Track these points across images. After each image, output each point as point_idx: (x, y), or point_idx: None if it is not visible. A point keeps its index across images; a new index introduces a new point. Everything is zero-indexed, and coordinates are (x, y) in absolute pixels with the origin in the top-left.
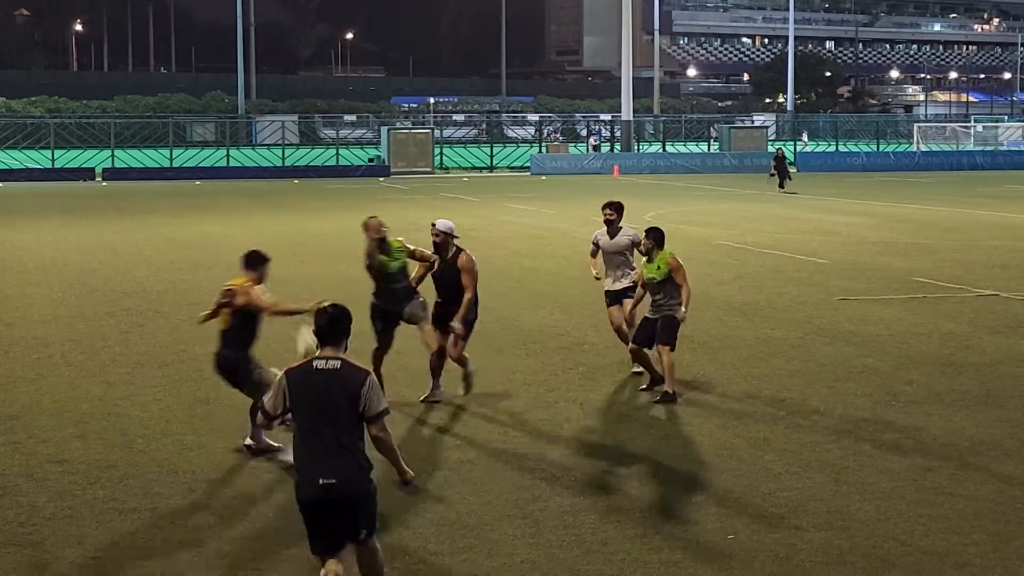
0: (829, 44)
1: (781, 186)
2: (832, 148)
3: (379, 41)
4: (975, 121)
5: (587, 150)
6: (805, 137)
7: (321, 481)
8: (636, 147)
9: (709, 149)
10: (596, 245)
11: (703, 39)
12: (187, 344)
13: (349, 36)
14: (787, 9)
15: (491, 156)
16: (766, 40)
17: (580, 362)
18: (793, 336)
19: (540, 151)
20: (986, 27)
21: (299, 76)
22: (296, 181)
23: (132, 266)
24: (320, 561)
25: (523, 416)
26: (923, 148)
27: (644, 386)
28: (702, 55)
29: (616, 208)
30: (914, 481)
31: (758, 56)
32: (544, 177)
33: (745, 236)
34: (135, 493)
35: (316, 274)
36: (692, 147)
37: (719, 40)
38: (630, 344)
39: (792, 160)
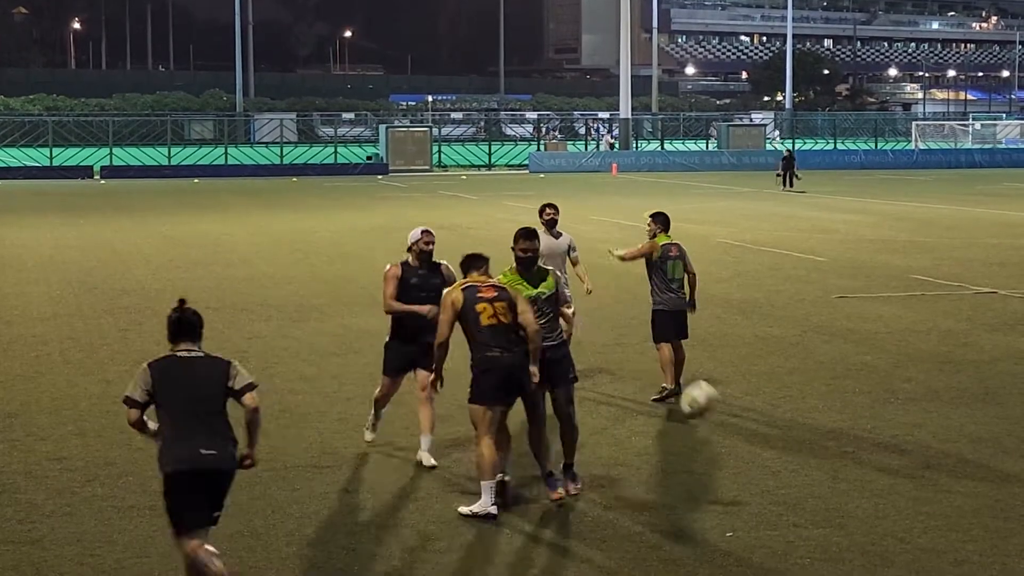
0: (827, 42)
1: (789, 185)
2: (830, 146)
3: (377, 39)
4: (973, 119)
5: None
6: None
7: (202, 451)
8: (635, 145)
9: (708, 147)
10: None
11: (701, 37)
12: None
13: (347, 34)
14: (785, 7)
15: (489, 154)
16: (764, 38)
17: (578, 360)
18: (791, 334)
19: (538, 149)
20: (984, 25)
21: (297, 74)
22: (294, 179)
23: (130, 264)
24: (184, 541)
25: (521, 413)
26: (921, 146)
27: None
28: (700, 53)
29: (556, 209)
30: (912, 478)
31: (756, 54)
32: (542, 175)
33: (743, 234)
34: (134, 490)
35: (315, 272)
36: (691, 145)
37: (717, 38)
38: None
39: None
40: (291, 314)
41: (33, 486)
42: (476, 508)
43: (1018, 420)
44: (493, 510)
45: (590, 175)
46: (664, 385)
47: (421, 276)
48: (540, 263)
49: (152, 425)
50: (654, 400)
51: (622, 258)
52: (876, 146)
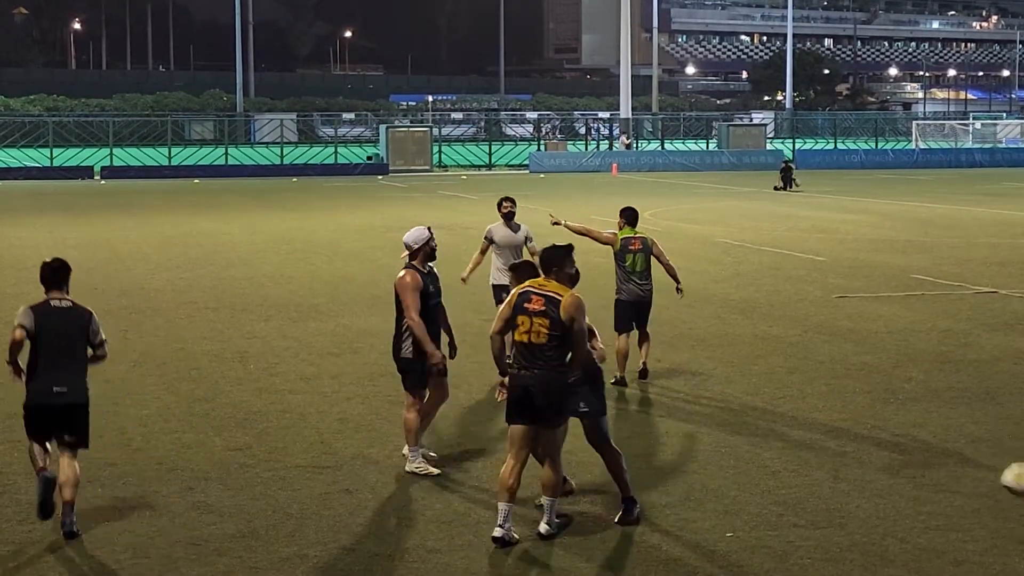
0: (828, 42)
1: (785, 188)
2: (831, 146)
3: (377, 39)
4: (974, 119)
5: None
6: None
7: (55, 389)
8: (635, 145)
9: (708, 147)
10: (489, 240)
11: (701, 37)
12: (185, 342)
13: (347, 34)
14: (785, 7)
15: (490, 154)
16: (764, 38)
17: None
18: (791, 334)
19: (539, 149)
20: (984, 24)
21: (297, 74)
22: (295, 179)
23: (130, 264)
24: (36, 444)
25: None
26: (922, 146)
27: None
28: (701, 53)
29: (514, 202)
30: (913, 478)
31: (756, 54)
32: (543, 175)
33: (743, 234)
34: (133, 491)
35: (315, 272)
36: (691, 145)
37: (717, 38)
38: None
39: (793, 159)
40: (291, 314)
41: (33, 487)
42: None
43: (1018, 420)
44: (496, 532)
45: (590, 175)
46: (616, 374)
47: (429, 280)
48: (499, 254)
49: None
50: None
51: (568, 227)
52: (876, 146)
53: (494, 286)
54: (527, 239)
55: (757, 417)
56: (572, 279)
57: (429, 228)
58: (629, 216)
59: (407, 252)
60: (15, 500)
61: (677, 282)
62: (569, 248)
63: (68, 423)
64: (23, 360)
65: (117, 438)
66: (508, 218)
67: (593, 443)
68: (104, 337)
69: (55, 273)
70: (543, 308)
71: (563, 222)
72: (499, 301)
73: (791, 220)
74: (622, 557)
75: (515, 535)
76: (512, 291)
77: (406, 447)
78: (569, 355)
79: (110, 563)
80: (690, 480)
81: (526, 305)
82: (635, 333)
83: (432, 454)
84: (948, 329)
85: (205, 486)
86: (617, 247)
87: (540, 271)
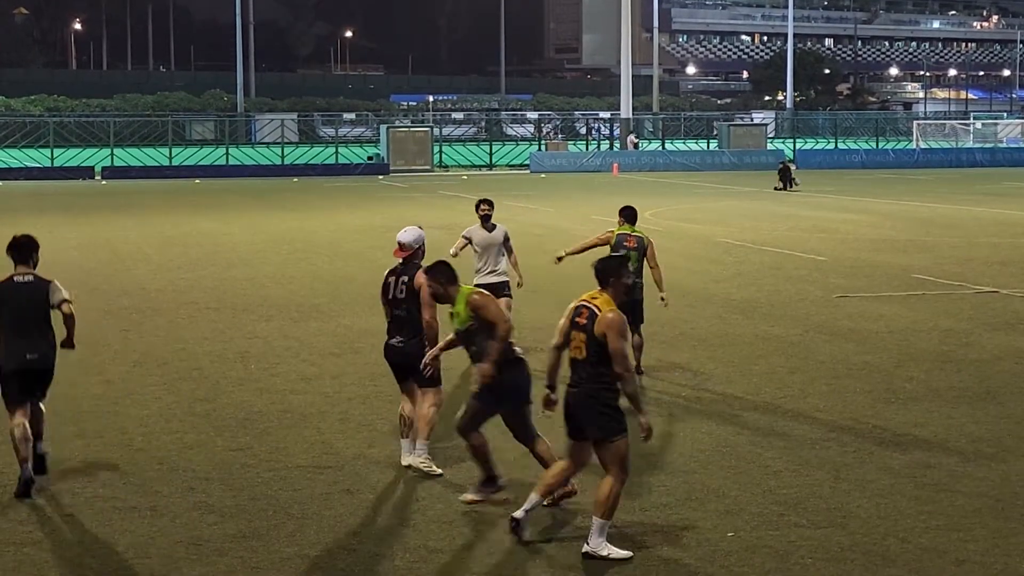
0: (828, 42)
1: (784, 188)
2: (831, 146)
3: (378, 39)
4: (974, 118)
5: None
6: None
7: (27, 356)
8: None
9: (709, 147)
10: (468, 240)
11: (702, 37)
12: (186, 343)
13: (348, 34)
14: (786, 7)
15: (490, 154)
16: (765, 37)
17: None
18: (792, 333)
19: (539, 149)
20: (985, 24)
21: (298, 74)
22: (295, 179)
23: (131, 264)
24: (12, 413)
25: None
26: (922, 145)
27: None
28: (701, 53)
29: (492, 204)
30: (914, 478)
31: (757, 54)
32: (543, 175)
33: (744, 233)
34: (134, 491)
35: (316, 272)
36: (692, 145)
37: (718, 38)
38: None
39: (794, 159)
40: (292, 314)
41: (34, 487)
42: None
43: (1019, 419)
44: (517, 513)
45: (591, 175)
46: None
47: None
48: (478, 255)
49: None
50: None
51: (569, 252)
52: (877, 145)
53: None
54: (505, 238)
55: (758, 417)
56: (627, 289)
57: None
58: (628, 214)
59: (408, 252)
60: (16, 502)
61: (661, 291)
62: (623, 259)
63: (39, 384)
64: None
65: (118, 438)
66: (484, 220)
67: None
68: (65, 295)
69: (20, 249)
70: (585, 322)
71: (563, 253)
72: None
73: (792, 220)
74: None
75: (527, 534)
76: (570, 305)
77: (419, 441)
78: (609, 371)
79: (111, 563)
80: (691, 480)
81: (576, 319)
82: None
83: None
84: (949, 329)
85: (206, 486)
86: (613, 241)
87: (597, 282)
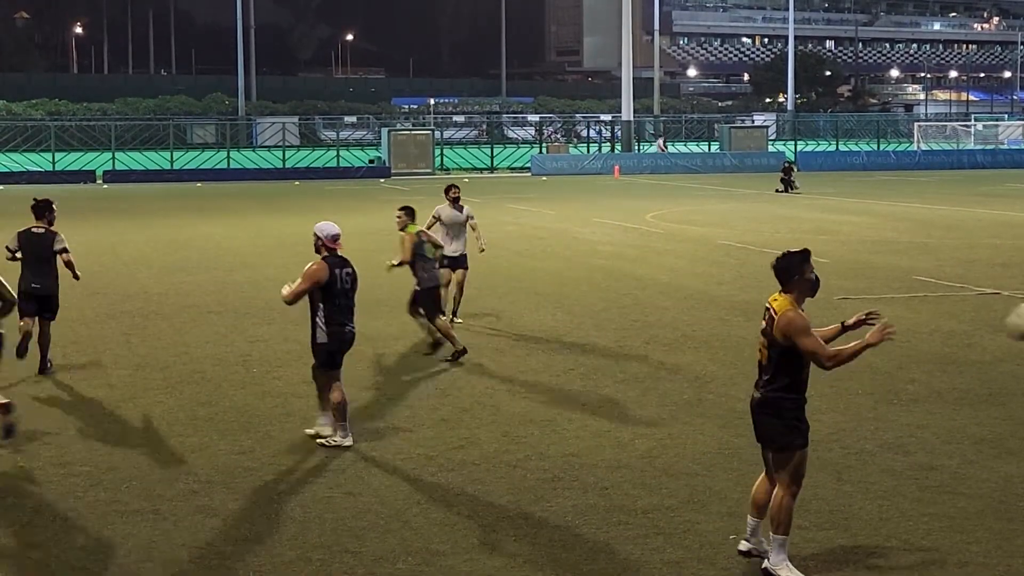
0: (829, 43)
1: (785, 191)
2: (832, 147)
3: (379, 42)
4: (975, 120)
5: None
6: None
7: (33, 285)
8: (636, 147)
9: (710, 149)
10: (438, 219)
11: (703, 39)
12: (188, 346)
13: (349, 37)
14: (787, 9)
15: (492, 157)
16: (766, 40)
17: (581, 362)
18: None
19: (541, 152)
20: (986, 26)
21: (299, 77)
22: (297, 183)
23: (133, 268)
24: (21, 318)
25: (525, 416)
26: (923, 147)
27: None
28: (702, 55)
29: (459, 188)
30: (916, 480)
31: (758, 56)
32: (545, 178)
33: (746, 236)
34: (137, 495)
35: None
36: (693, 147)
37: (719, 40)
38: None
39: (795, 161)
40: (294, 317)
41: (36, 490)
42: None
43: (1021, 421)
44: (742, 546)
45: (592, 177)
46: (456, 350)
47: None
48: (445, 231)
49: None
50: (448, 361)
51: (402, 263)
52: (878, 147)
53: (442, 257)
54: (468, 217)
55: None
56: (813, 286)
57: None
58: (411, 212)
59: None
60: (18, 504)
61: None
62: (805, 253)
63: (45, 307)
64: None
65: (120, 441)
66: (454, 202)
67: None
68: (65, 245)
69: (37, 208)
70: (765, 325)
71: (397, 260)
72: (444, 266)
73: (793, 222)
74: (625, 559)
75: (765, 546)
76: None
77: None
78: (791, 378)
79: (113, 567)
80: (693, 482)
81: (763, 322)
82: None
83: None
84: (951, 330)
85: (209, 489)
86: (416, 240)
87: (779, 282)
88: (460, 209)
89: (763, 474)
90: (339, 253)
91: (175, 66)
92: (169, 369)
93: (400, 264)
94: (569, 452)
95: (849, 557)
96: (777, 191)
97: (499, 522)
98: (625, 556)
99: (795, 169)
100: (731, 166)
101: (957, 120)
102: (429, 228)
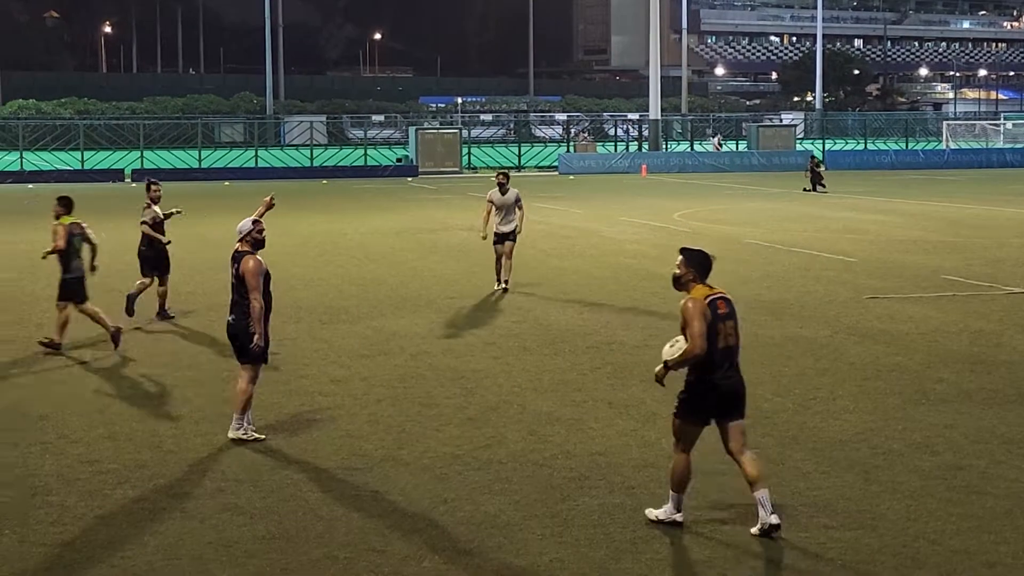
0: (857, 42)
1: (813, 190)
2: (861, 146)
3: (407, 41)
4: (1004, 118)
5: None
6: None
7: (71, 269)
8: (664, 146)
9: (737, 148)
10: (492, 203)
11: (731, 38)
12: (215, 344)
13: (377, 36)
14: (815, 7)
15: (519, 155)
16: (794, 38)
17: (608, 361)
18: (822, 335)
19: (568, 150)
20: (1015, 24)
21: (327, 76)
22: (324, 181)
23: None
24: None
25: (552, 415)
26: (952, 146)
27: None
28: (730, 54)
29: (507, 175)
30: (944, 480)
31: (786, 54)
32: (572, 176)
33: (773, 235)
34: (165, 493)
35: (345, 274)
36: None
37: (747, 39)
38: None
39: (823, 159)
40: (320, 316)
41: (65, 489)
42: (660, 514)
43: None
44: (774, 519)
45: (620, 176)
46: (54, 340)
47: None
48: (497, 211)
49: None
50: (42, 343)
51: (55, 251)
52: (907, 146)
53: (496, 233)
54: (517, 199)
55: (787, 418)
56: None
57: (255, 220)
58: (66, 203)
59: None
60: (46, 502)
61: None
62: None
63: (77, 292)
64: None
65: (148, 439)
66: (502, 187)
67: None
68: (91, 234)
69: (68, 208)
70: (727, 309)
71: (45, 252)
72: (496, 242)
73: (821, 221)
74: (652, 559)
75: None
76: (697, 302)
77: (235, 417)
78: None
79: (140, 564)
80: (720, 481)
81: (718, 312)
82: None
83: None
84: (980, 330)
85: (236, 488)
86: (68, 232)
87: (706, 273)
88: (506, 191)
89: (686, 455)
90: (238, 248)
91: (203, 65)
92: (197, 368)
93: (53, 252)
94: (596, 451)
95: (876, 557)
96: (805, 190)
97: (526, 521)
98: (652, 555)
99: (823, 166)
100: (759, 165)
101: (986, 119)
102: (488, 213)
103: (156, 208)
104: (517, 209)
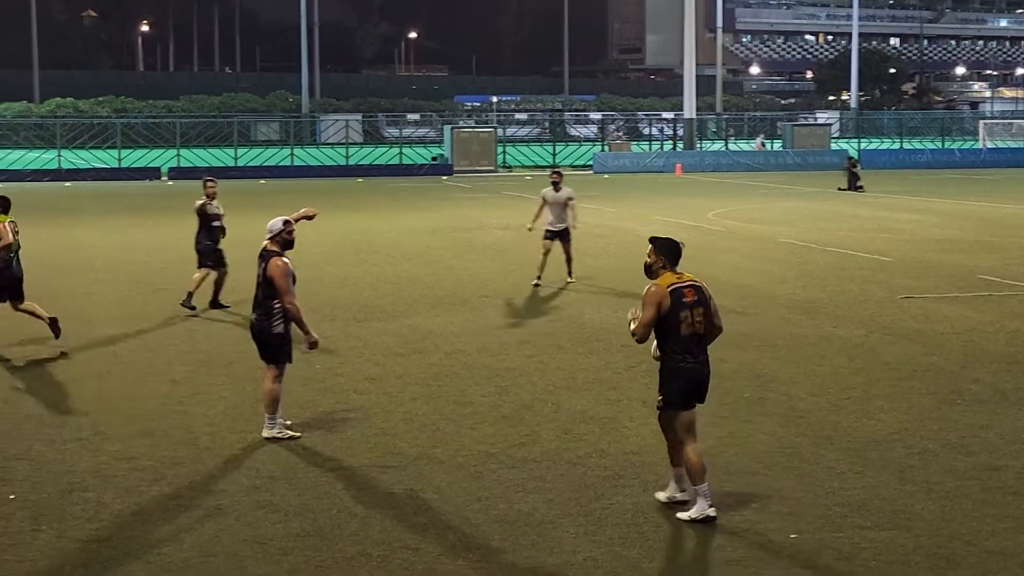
0: (894, 41)
1: (849, 189)
2: (897, 145)
3: (442, 40)
4: None
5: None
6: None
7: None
8: (699, 145)
9: (772, 147)
10: (544, 200)
11: (766, 36)
12: (251, 342)
13: (412, 35)
14: (851, 6)
15: (554, 154)
16: (830, 37)
17: (642, 360)
18: (857, 334)
19: (603, 149)
20: None
21: (362, 75)
22: (360, 180)
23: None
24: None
25: (586, 414)
26: (989, 145)
27: None
28: (765, 53)
29: (560, 174)
30: (980, 480)
31: (821, 53)
32: (607, 175)
33: (808, 234)
34: (200, 490)
35: (380, 272)
36: (755, 145)
37: (782, 37)
38: None
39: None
40: (355, 314)
41: (101, 485)
42: (693, 514)
43: None
44: (711, 512)
45: (654, 175)
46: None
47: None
48: (550, 209)
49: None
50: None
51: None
52: (943, 145)
53: (546, 231)
54: (569, 198)
55: (822, 418)
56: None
57: (286, 220)
58: (4, 203)
59: (268, 237)
60: (83, 499)
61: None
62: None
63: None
64: None
65: (184, 437)
66: (555, 185)
67: None
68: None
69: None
70: (696, 297)
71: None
72: (547, 238)
73: (856, 220)
74: (685, 557)
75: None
76: (658, 289)
77: (267, 417)
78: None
79: (176, 561)
80: (754, 481)
81: (684, 300)
82: None
83: (288, 421)
84: (1016, 330)
85: (271, 485)
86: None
87: (677, 260)
88: (559, 189)
89: (689, 443)
90: (266, 247)
91: (239, 64)
92: (233, 365)
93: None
94: (630, 450)
95: (911, 557)
96: (840, 189)
97: (560, 519)
98: (686, 554)
99: (859, 166)
100: (794, 164)
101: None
102: (540, 208)
103: (215, 203)
104: (568, 208)
